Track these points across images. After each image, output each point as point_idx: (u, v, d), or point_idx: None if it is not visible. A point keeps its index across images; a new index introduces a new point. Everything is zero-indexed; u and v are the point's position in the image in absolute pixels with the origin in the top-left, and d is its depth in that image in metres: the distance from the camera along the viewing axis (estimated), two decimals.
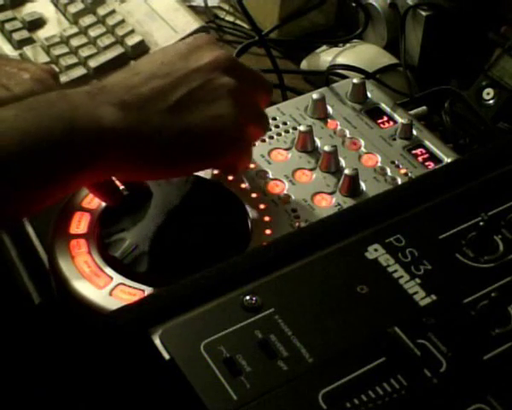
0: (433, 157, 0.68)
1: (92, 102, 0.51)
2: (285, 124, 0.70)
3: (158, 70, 0.55)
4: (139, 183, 0.60)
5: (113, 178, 0.59)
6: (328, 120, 0.71)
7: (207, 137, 0.54)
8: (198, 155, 0.55)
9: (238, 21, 0.99)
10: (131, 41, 0.86)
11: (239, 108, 0.55)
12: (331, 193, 0.63)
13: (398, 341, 0.44)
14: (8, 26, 0.87)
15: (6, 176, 0.47)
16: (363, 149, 0.68)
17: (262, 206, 0.62)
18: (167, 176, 0.59)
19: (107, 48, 0.86)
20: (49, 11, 0.91)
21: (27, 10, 0.90)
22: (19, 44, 0.86)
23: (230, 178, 0.64)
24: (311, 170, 0.66)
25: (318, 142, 0.68)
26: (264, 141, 0.68)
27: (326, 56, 0.88)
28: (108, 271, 0.56)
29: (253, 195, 0.63)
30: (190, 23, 0.89)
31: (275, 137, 0.69)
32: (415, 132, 0.70)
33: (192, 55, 0.56)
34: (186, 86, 0.54)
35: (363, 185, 0.64)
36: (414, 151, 0.69)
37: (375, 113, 0.73)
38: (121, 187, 0.60)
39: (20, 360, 0.58)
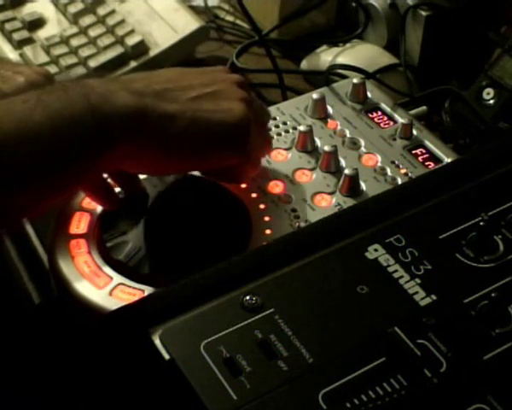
0: (433, 157, 0.68)
1: (106, 86, 0.52)
2: (285, 124, 0.70)
3: (174, 77, 0.57)
4: (135, 185, 0.61)
5: (109, 180, 0.59)
6: (328, 120, 0.71)
7: (218, 128, 0.56)
8: (209, 146, 0.56)
9: (238, 21, 0.99)
10: (131, 41, 0.86)
11: (249, 111, 0.58)
12: (331, 193, 0.63)
13: (398, 341, 0.44)
14: (8, 26, 0.87)
15: (22, 160, 0.47)
16: (363, 149, 0.68)
17: (262, 206, 0.62)
18: (175, 168, 0.59)
19: (107, 48, 0.86)
20: (49, 11, 0.91)
21: (27, 10, 0.90)
22: (19, 44, 0.86)
23: None
24: (311, 170, 0.66)
25: (318, 142, 0.68)
26: None
27: (326, 56, 0.88)
28: (108, 271, 0.56)
29: (253, 195, 0.63)
30: (190, 23, 0.89)
31: (275, 137, 0.69)
32: (415, 132, 0.70)
33: (207, 73, 0.60)
34: (198, 90, 0.57)
35: (363, 185, 0.64)
36: (414, 151, 0.68)
37: (375, 113, 0.73)
38: (117, 190, 0.60)
39: (20, 360, 0.58)
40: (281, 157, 0.67)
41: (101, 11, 0.89)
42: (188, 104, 0.55)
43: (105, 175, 0.59)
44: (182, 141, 0.54)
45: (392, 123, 0.71)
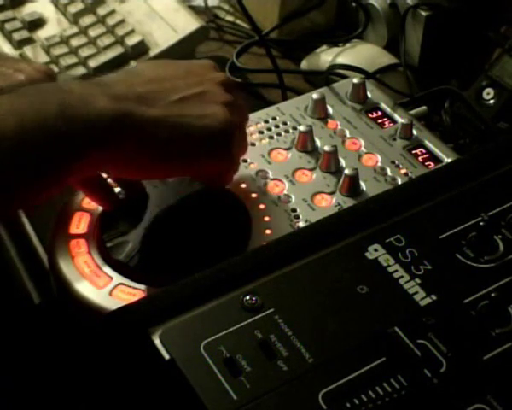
0: (433, 157, 0.68)
1: (86, 90, 0.51)
2: (285, 124, 0.70)
3: (157, 77, 0.56)
4: (135, 185, 0.60)
5: (109, 180, 0.59)
6: (328, 120, 0.71)
7: (202, 134, 0.55)
8: (192, 152, 0.55)
9: (238, 21, 0.99)
10: (131, 41, 0.86)
11: (231, 115, 0.57)
12: (331, 193, 0.63)
13: (398, 341, 0.44)
14: (8, 26, 0.87)
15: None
16: (363, 149, 0.68)
17: (262, 206, 0.62)
18: (156, 174, 0.58)
19: (107, 48, 0.86)
20: (49, 11, 0.91)
21: (27, 10, 0.90)
22: (19, 44, 0.86)
23: None
24: (311, 170, 0.66)
25: (318, 142, 0.68)
26: (264, 141, 0.68)
27: (326, 56, 0.88)
28: (108, 271, 0.56)
29: (253, 195, 0.63)
30: (190, 23, 0.89)
31: (275, 137, 0.69)
32: (415, 132, 0.70)
33: (193, 72, 0.58)
34: (182, 92, 0.55)
35: (363, 185, 0.64)
36: (414, 151, 0.68)
37: (375, 113, 0.73)
38: (117, 190, 0.60)
39: (20, 360, 0.58)
40: (281, 157, 0.67)
41: (101, 11, 0.89)
42: (170, 109, 0.54)
43: (105, 175, 0.59)
44: (164, 146, 0.53)
45: (392, 123, 0.71)
